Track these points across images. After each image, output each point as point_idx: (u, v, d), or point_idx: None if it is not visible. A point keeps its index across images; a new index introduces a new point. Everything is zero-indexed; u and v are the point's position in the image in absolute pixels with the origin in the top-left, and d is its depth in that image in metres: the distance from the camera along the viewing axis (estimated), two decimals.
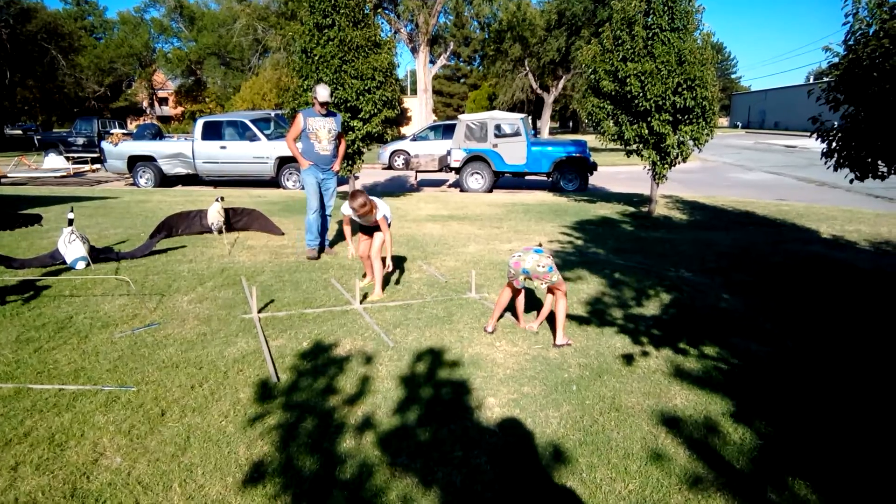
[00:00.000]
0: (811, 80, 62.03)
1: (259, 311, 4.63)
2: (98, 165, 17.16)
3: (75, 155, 21.13)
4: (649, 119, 9.06)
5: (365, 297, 5.09)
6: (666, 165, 9.46)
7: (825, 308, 4.91)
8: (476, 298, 5.10)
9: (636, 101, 8.97)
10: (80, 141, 22.84)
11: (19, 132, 47.00)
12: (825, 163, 6.33)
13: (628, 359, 3.80)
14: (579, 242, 7.49)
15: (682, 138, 9.19)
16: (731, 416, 3.09)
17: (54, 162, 17.83)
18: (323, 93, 6.21)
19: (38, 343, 4.00)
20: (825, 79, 6.31)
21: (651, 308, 4.85)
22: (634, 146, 9.68)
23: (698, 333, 4.26)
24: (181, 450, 2.77)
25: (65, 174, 16.96)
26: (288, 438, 2.87)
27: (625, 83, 9.04)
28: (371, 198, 5.09)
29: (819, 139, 6.26)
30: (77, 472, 2.60)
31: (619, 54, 9.21)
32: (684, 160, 9.48)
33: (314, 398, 3.27)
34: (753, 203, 11.27)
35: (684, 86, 8.68)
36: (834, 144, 6.10)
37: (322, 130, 6.32)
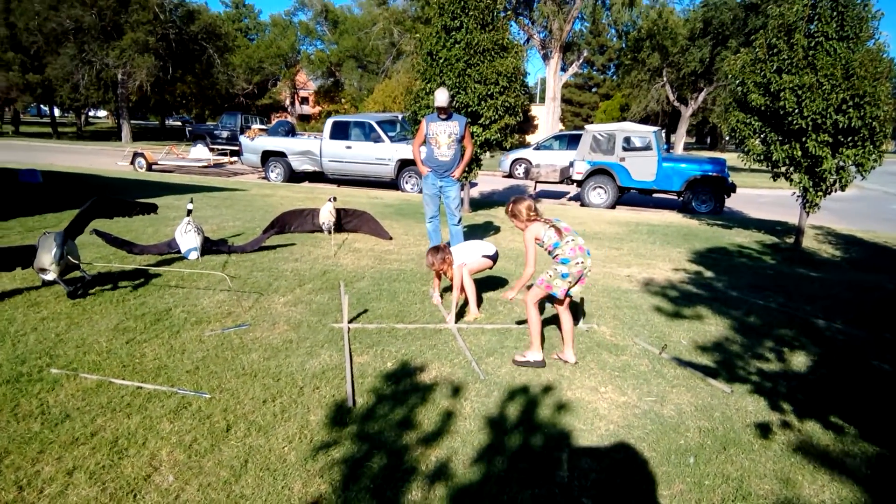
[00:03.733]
0: None
1: (350, 322, 4.42)
2: (235, 158, 18.23)
3: (219, 147, 22.68)
4: (804, 139, 7.96)
5: (461, 314, 4.74)
6: (820, 193, 8.29)
7: None
8: (584, 329, 4.57)
9: (790, 118, 7.92)
10: (225, 134, 24.56)
11: (178, 123, 51.87)
12: None
13: (763, 429, 3.13)
14: (709, 274, 6.67)
15: (842, 163, 8.01)
16: None
17: (199, 153, 19.17)
18: (440, 97, 5.90)
19: (133, 334, 4.01)
20: None
21: (795, 364, 4.08)
22: (783, 168, 8.59)
23: (854, 405, 3.48)
24: (236, 476, 2.54)
25: (206, 164, 18.18)
26: (350, 478, 2.55)
27: (777, 97, 8.02)
28: (449, 251, 4.73)
29: None
30: (127, 486, 2.44)
31: (772, 65, 8.18)
32: (843, 188, 8.25)
33: (388, 432, 2.94)
34: None
35: (850, 103, 7.53)
36: None
37: (442, 135, 6.03)
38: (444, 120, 6.04)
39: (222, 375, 3.46)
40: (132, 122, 34.01)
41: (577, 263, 3.76)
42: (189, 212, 6.17)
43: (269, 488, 2.47)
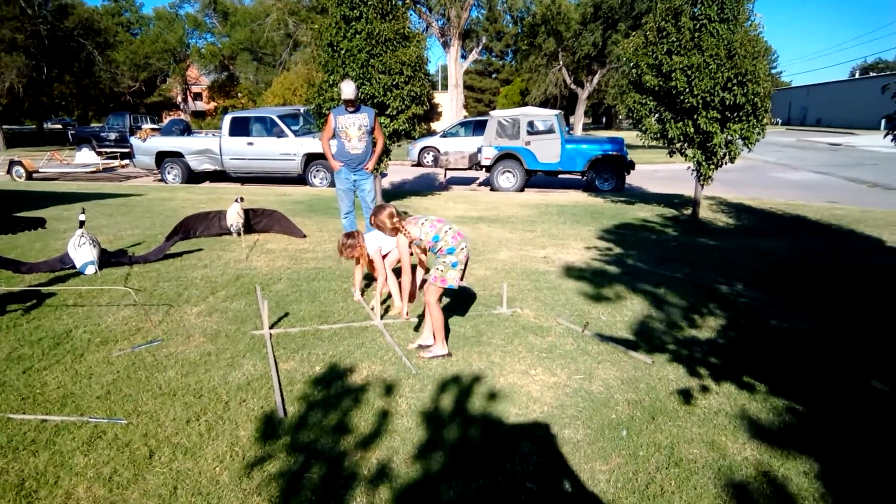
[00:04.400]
0: (856, 76, 59.77)
1: (271, 327, 4.25)
2: (127, 161, 17.10)
3: (107, 150, 21.21)
4: (695, 116, 8.44)
5: (386, 311, 4.67)
6: (712, 166, 8.83)
7: None
8: (508, 314, 4.63)
9: (682, 97, 8.36)
10: (113, 136, 23.02)
11: (59, 126, 48.00)
12: None
13: (685, 396, 3.29)
14: (619, 250, 6.95)
15: (730, 137, 8.55)
16: (816, 477, 2.57)
17: (86, 157, 17.80)
18: (347, 90, 5.80)
19: (30, 362, 3.66)
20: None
21: (706, 330, 4.32)
22: (678, 145, 9.07)
23: (763, 364, 3.73)
24: None
25: (95, 169, 16.95)
26: (289, 493, 2.45)
27: (669, 78, 8.44)
28: (362, 236, 4.61)
29: (894, 140, 5.61)
30: None
31: (663, 47, 8.60)
32: (732, 160, 8.83)
33: (323, 439, 2.85)
34: (804, 206, 10.54)
35: (734, 81, 8.04)
36: None
37: (352, 128, 5.94)
38: (351, 112, 5.93)
39: (138, 398, 3.23)
40: (4, 127, 31.13)
41: (462, 249, 3.80)
42: (82, 223, 5.70)
43: None
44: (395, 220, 3.74)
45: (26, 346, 3.89)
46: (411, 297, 4.11)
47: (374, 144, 6.18)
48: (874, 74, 56.78)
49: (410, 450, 2.78)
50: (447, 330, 4.07)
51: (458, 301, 4.95)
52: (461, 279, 3.83)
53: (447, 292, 4.05)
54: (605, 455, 2.73)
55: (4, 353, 3.79)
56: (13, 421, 2.97)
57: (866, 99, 44.40)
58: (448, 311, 4.66)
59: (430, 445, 2.81)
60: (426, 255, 4.07)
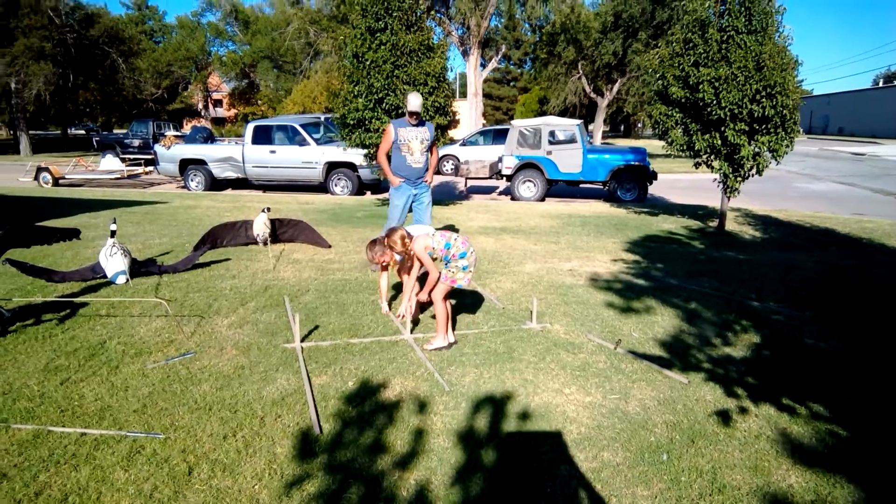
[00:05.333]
0: (880, 84, 58.96)
1: (302, 341, 4.25)
2: (151, 168, 17.32)
3: (131, 157, 21.50)
4: (723, 128, 8.35)
5: (415, 324, 4.66)
6: (739, 178, 8.74)
7: None
8: (538, 329, 4.60)
9: (709, 109, 8.29)
10: (136, 143, 23.34)
11: (82, 132, 48.82)
12: None
13: (724, 417, 3.24)
14: (646, 263, 6.89)
15: (758, 149, 8.46)
16: None
17: (110, 164, 18.07)
18: (414, 102, 5.69)
19: (67, 373, 3.70)
20: None
21: (740, 349, 4.26)
22: (705, 157, 8.98)
23: (801, 384, 3.66)
24: None
25: (119, 176, 17.17)
26: None
27: (696, 90, 8.37)
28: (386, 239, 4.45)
29: None
30: None
31: (690, 59, 8.53)
32: (759, 173, 8.72)
33: (361, 458, 2.84)
34: (831, 219, 10.38)
35: (763, 93, 7.96)
36: None
37: (414, 141, 5.81)
38: (414, 126, 5.82)
39: (174, 412, 3.24)
40: (30, 132, 31.70)
41: (472, 253, 4.21)
42: (113, 233, 5.76)
43: None
44: (406, 239, 4.21)
45: (62, 357, 3.93)
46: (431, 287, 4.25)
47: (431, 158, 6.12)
48: None
49: (448, 471, 2.75)
50: (453, 325, 4.41)
51: (488, 315, 4.93)
52: (469, 280, 4.25)
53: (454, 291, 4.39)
54: (646, 480, 2.68)
55: (42, 363, 3.83)
56: (54, 433, 3.00)
57: (891, 107, 43.78)
58: (477, 326, 4.65)
59: (469, 467, 2.79)
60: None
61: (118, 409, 3.27)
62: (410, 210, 6.15)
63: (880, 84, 59.32)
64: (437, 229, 4.34)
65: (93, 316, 4.75)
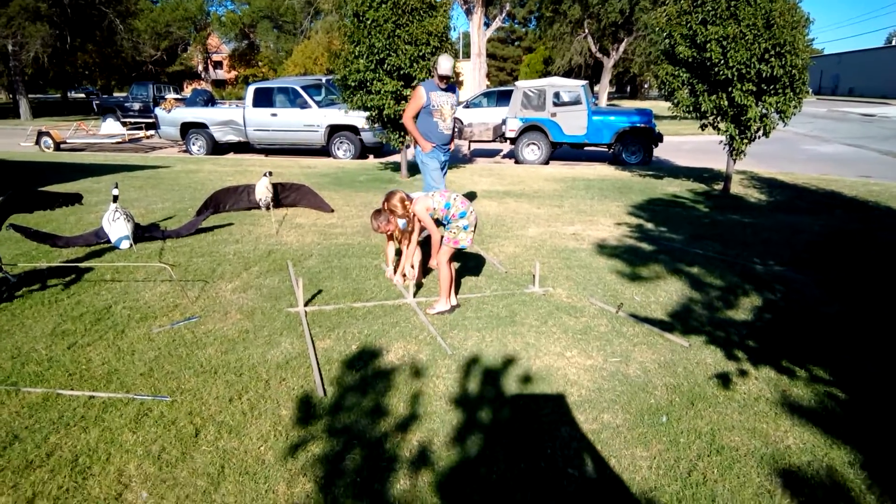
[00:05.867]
0: (893, 43, 57.64)
1: (305, 305, 4.28)
2: (152, 132, 17.19)
3: (131, 120, 21.33)
4: (730, 89, 8.21)
5: (418, 288, 4.68)
6: (745, 140, 8.63)
7: None
8: (540, 293, 4.61)
9: (716, 69, 8.13)
10: (136, 106, 23.10)
11: (83, 96, 48.36)
12: None
13: (724, 380, 3.27)
14: (650, 226, 6.86)
15: (765, 110, 8.33)
16: (861, 467, 2.55)
17: (111, 128, 17.93)
18: (445, 65, 5.39)
19: (74, 337, 3.75)
20: None
21: (742, 312, 4.27)
22: (711, 119, 8.85)
23: (801, 347, 3.69)
24: (214, 484, 2.43)
25: (120, 140, 17.07)
26: (334, 474, 2.49)
27: (704, 49, 8.19)
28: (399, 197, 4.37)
29: None
30: None
31: (698, 16, 8.33)
32: (766, 135, 8.60)
33: (364, 420, 2.89)
34: (837, 181, 10.28)
35: (772, 52, 7.78)
36: None
37: (446, 107, 5.57)
38: (444, 90, 5.56)
39: (180, 375, 3.29)
40: (30, 96, 31.42)
41: (472, 212, 4.18)
42: (115, 197, 5.75)
43: (253, 493, 2.38)
44: (407, 202, 4.24)
45: (69, 322, 3.97)
46: (437, 251, 4.27)
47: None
48: None
49: (450, 432, 2.80)
50: (454, 289, 4.36)
51: (490, 279, 4.94)
52: (471, 241, 4.23)
53: (458, 254, 4.47)
54: (645, 441, 2.73)
55: (49, 328, 3.88)
56: (63, 397, 3.05)
57: None
58: (480, 290, 4.67)
59: (469, 428, 2.83)
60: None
61: (125, 372, 3.32)
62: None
63: (893, 43, 57.96)
64: (435, 191, 4.33)
65: (98, 281, 4.78)
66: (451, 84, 5.68)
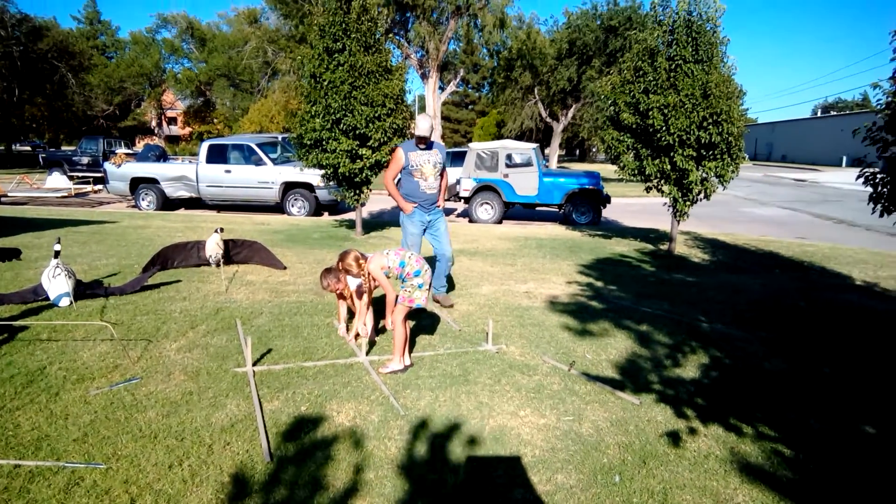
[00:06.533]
0: (818, 114, 61.97)
1: (254, 365, 4.16)
2: (100, 186, 16.83)
3: (79, 175, 20.86)
4: (672, 154, 8.63)
5: (371, 347, 4.62)
6: (688, 203, 9.02)
7: (878, 372, 4.41)
8: (494, 351, 4.62)
9: (658, 135, 8.56)
10: (85, 160, 22.65)
11: (28, 149, 47.11)
12: (872, 207, 5.86)
13: (674, 438, 3.30)
14: (600, 285, 7.01)
15: (705, 174, 8.76)
16: None
17: (57, 181, 17.50)
18: (422, 125, 5.37)
19: (1, 401, 3.52)
20: (876, 117, 5.85)
21: (690, 369, 4.36)
22: (655, 182, 9.25)
23: (747, 404, 3.77)
24: None
25: (66, 194, 16.63)
26: None
27: (647, 116, 8.64)
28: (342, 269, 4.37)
29: (865, 183, 5.80)
30: None
31: (640, 86, 8.82)
32: (707, 197, 9.03)
33: (313, 486, 2.78)
34: (775, 242, 10.79)
35: (710, 120, 8.27)
36: (881, 188, 5.64)
37: (427, 166, 5.52)
38: (424, 150, 5.55)
39: (117, 441, 3.12)
40: None
41: (426, 271, 4.24)
42: (57, 253, 5.54)
43: None
44: (361, 261, 4.23)
45: None
46: (392, 309, 4.29)
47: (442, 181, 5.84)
48: (835, 113, 59.00)
49: (403, 497, 2.72)
50: (408, 348, 4.33)
51: (444, 337, 4.92)
52: (426, 299, 4.24)
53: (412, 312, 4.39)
54: (599, 502, 2.70)
55: None
56: None
57: (829, 136, 46.06)
58: (433, 348, 4.64)
59: (423, 493, 2.76)
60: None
61: (57, 438, 3.13)
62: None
63: (818, 114, 62.33)
64: (389, 250, 4.34)
65: (33, 340, 4.55)
66: (432, 143, 5.65)
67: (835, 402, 3.85)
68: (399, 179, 5.80)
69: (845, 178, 29.46)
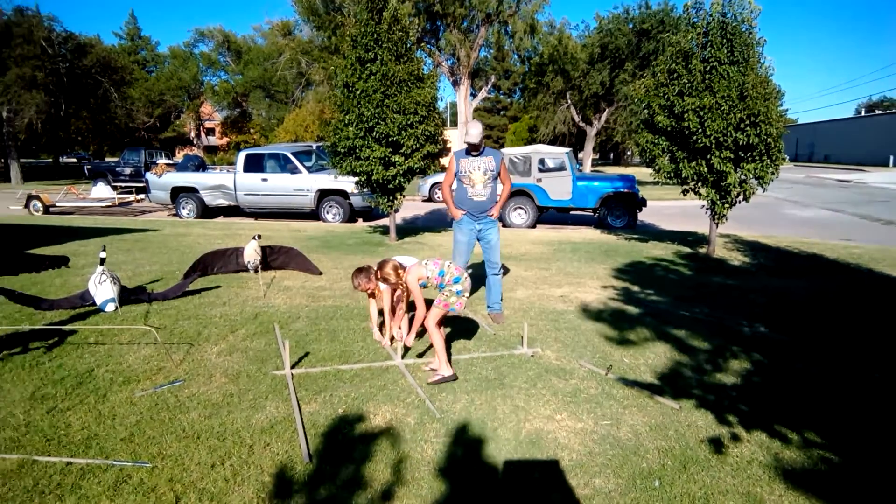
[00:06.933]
0: (862, 113, 60.18)
1: (292, 367, 4.23)
2: (142, 196, 17.31)
3: (122, 185, 21.50)
4: (709, 156, 8.49)
5: (406, 351, 4.65)
6: (726, 205, 8.85)
7: None
8: (528, 355, 4.60)
9: (695, 137, 8.42)
10: (128, 171, 23.37)
11: (74, 160, 48.81)
12: None
13: (716, 444, 3.23)
14: (636, 289, 6.92)
15: (744, 176, 8.59)
16: None
17: (101, 192, 18.05)
18: (472, 132, 5.30)
19: (53, 401, 3.66)
20: None
21: (731, 375, 4.27)
22: (692, 184, 9.10)
23: (793, 410, 3.67)
24: None
25: (110, 204, 17.15)
26: None
27: (682, 118, 8.52)
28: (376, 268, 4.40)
29: None
30: None
31: (674, 88, 8.70)
32: (746, 199, 8.84)
33: (351, 486, 2.81)
34: (819, 244, 10.49)
35: (747, 122, 8.10)
36: None
37: (475, 172, 5.42)
38: (475, 156, 5.46)
39: (161, 440, 3.21)
40: (21, 160, 31.67)
41: (466, 278, 4.24)
42: (102, 260, 5.73)
43: None
44: (400, 270, 4.22)
45: (49, 386, 3.89)
46: (418, 327, 4.27)
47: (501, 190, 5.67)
48: (880, 112, 57.19)
49: (439, 498, 2.73)
50: (449, 355, 4.34)
51: (479, 341, 4.93)
52: (461, 305, 4.23)
53: (448, 319, 4.50)
54: None
55: (28, 392, 3.79)
56: (39, 463, 2.95)
57: (875, 135, 44.65)
58: (468, 352, 4.64)
59: (459, 495, 2.76)
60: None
61: (105, 437, 3.23)
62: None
63: (862, 113, 60.51)
64: (428, 259, 4.32)
65: (81, 344, 4.71)
66: (486, 148, 5.52)
67: (886, 410, 3.73)
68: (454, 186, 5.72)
69: (894, 178, 28.52)
